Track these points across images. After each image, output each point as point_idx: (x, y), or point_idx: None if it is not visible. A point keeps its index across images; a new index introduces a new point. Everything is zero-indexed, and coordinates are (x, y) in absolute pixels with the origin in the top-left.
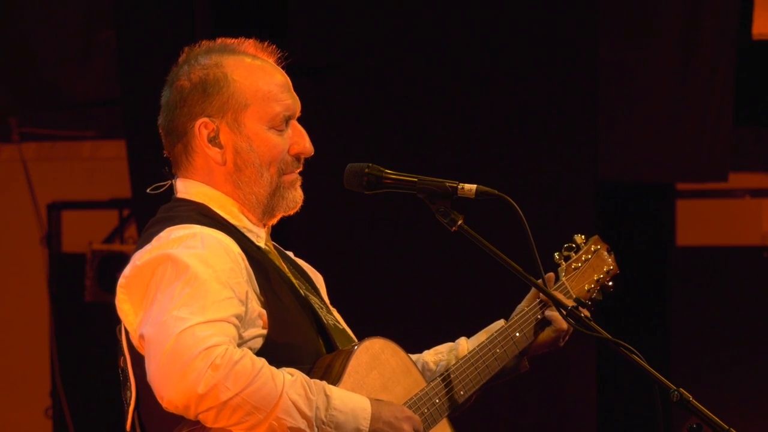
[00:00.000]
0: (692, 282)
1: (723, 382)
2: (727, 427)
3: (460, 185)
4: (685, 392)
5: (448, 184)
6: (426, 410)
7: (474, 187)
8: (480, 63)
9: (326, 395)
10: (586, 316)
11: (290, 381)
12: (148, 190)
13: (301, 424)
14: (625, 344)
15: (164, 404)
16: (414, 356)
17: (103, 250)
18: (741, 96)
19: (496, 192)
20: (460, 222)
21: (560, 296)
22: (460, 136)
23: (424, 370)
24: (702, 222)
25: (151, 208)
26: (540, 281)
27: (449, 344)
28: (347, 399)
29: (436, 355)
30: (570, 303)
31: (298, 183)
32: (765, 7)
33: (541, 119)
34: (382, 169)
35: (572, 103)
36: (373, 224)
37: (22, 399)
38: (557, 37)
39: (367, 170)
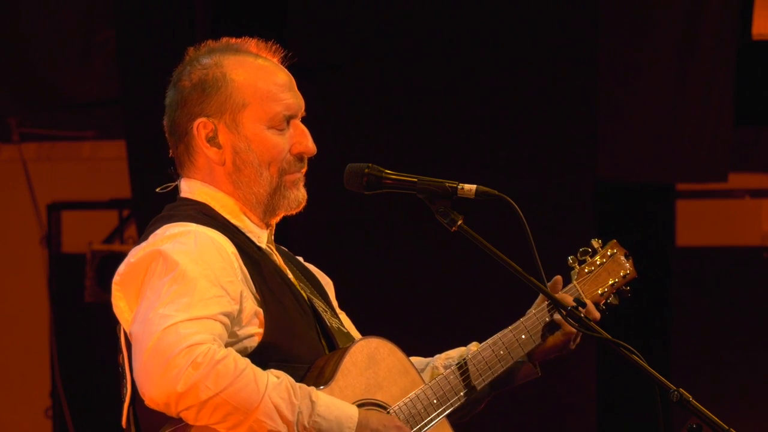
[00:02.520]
0: (692, 282)
1: (723, 382)
2: (727, 427)
3: (460, 185)
4: (685, 392)
5: (448, 184)
6: (422, 408)
7: (474, 187)
8: (480, 63)
9: (311, 401)
10: (586, 317)
11: (274, 384)
12: (157, 190)
13: (281, 428)
14: (625, 344)
15: (146, 401)
16: (424, 360)
17: (103, 250)
18: (741, 96)
19: (495, 192)
20: (459, 222)
21: (563, 296)
22: (460, 136)
23: (433, 374)
24: (702, 222)
25: (151, 208)
26: (541, 282)
27: (460, 349)
28: (333, 407)
29: (447, 360)
30: (570, 303)
31: (302, 183)
32: (765, 7)
33: (541, 119)
34: (382, 169)
35: (572, 103)
36: (372, 225)
37: (22, 399)
38: (557, 37)
39: (367, 170)
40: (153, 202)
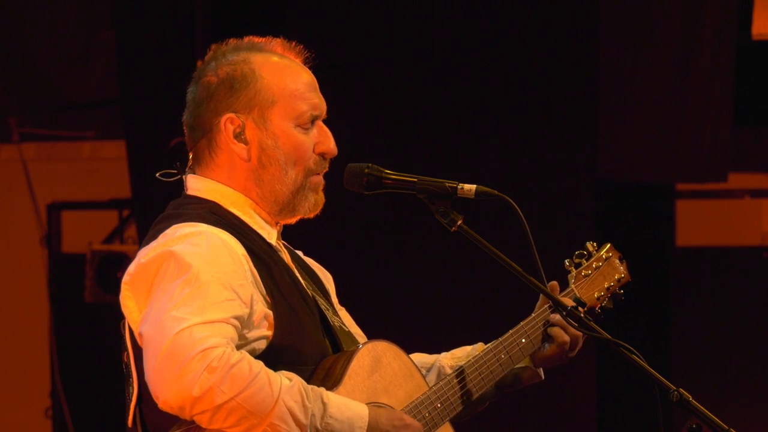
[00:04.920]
0: (692, 282)
1: (723, 382)
2: (727, 427)
3: (460, 185)
4: (685, 392)
5: (448, 184)
6: (427, 414)
7: (474, 187)
8: (480, 63)
9: (323, 402)
10: (586, 316)
11: (287, 387)
12: (157, 175)
13: (295, 431)
14: (625, 344)
15: (159, 404)
16: (430, 358)
17: (103, 250)
18: (741, 96)
19: (495, 192)
20: (459, 222)
21: (563, 299)
22: (461, 136)
23: (440, 375)
24: (702, 222)
25: (152, 208)
26: (541, 282)
27: (467, 348)
28: (344, 407)
29: (453, 360)
30: (570, 304)
31: (321, 187)
32: (765, 7)
33: (541, 119)
34: (382, 169)
35: (572, 103)
36: (372, 225)
37: (22, 399)
38: (557, 37)
39: (367, 170)
40: (153, 202)
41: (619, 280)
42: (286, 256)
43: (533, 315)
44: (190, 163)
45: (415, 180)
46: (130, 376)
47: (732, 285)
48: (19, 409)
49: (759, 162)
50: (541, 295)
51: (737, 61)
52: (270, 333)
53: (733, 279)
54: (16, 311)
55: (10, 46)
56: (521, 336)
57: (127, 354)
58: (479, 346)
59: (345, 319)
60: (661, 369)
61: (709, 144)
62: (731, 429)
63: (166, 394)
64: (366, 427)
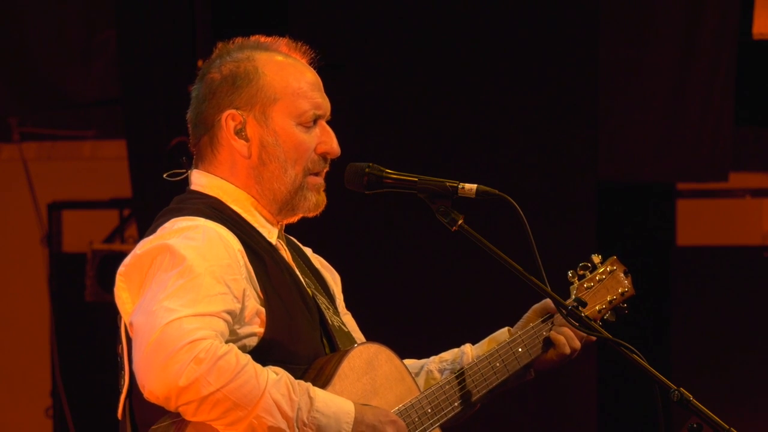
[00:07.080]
0: (692, 282)
1: (723, 382)
2: (727, 427)
3: (461, 185)
4: (685, 392)
5: (449, 183)
6: (417, 418)
7: (474, 186)
8: (481, 63)
9: (310, 397)
10: (586, 316)
11: (274, 380)
12: (164, 176)
13: (282, 424)
14: (626, 344)
15: (145, 394)
16: (419, 362)
17: (104, 249)
18: (741, 96)
19: (496, 192)
20: (460, 222)
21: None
22: (461, 136)
23: (428, 378)
24: (702, 222)
25: (152, 207)
26: (541, 282)
27: (454, 351)
28: (331, 402)
29: (441, 363)
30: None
31: (322, 188)
32: (765, 7)
33: (541, 119)
34: (382, 168)
35: (572, 103)
36: (372, 225)
37: (22, 399)
38: (558, 37)
39: (367, 170)
40: (154, 201)
41: (622, 294)
42: (286, 255)
43: (531, 326)
44: (194, 160)
45: (416, 179)
46: (122, 368)
47: (732, 285)
48: (19, 409)
49: (760, 161)
50: (533, 307)
51: (737, 61)
52: (261, 330)
53: (733, 279)
54: (17, 311)
55: (10, 46)
56: (518, 345)
57: (122, 346)
58: (467, 348)
59: (348, 322)
60: (662, 369)
61: (710, 143)
62: (732, 428)
63: (152, 384)
64: (353, 422)
